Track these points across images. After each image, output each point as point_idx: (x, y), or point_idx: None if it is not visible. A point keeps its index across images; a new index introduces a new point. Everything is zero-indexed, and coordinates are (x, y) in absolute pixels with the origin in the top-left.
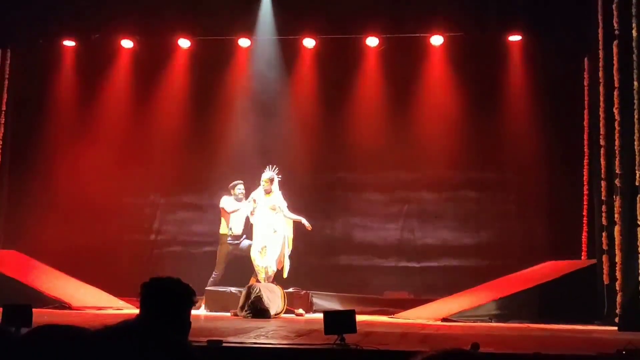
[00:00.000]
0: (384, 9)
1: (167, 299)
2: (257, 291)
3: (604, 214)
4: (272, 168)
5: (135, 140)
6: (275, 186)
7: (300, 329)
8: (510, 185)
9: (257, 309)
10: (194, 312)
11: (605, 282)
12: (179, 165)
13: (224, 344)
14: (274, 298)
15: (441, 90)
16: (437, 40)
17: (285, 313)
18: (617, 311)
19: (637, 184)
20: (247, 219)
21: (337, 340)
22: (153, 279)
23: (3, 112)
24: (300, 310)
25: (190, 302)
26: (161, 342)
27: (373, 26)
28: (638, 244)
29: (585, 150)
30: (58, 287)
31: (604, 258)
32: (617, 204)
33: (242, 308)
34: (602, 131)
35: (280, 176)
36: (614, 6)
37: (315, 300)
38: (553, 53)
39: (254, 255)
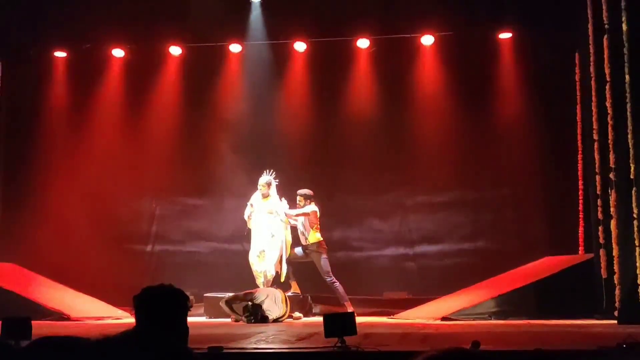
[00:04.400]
0: (374, 11)
1: (161, 306)
2: (256, 298)
3: (599, 208)
4: (269, 172)
5: (129, 148)
6: (273, 190)
7: (301, 332)
8: (505, 182)
9: (257, 315)
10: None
11: (604, 276)
12: (174, 171)
13: (225, 350)
14: (271, 304)
15: (433, 89)
16: (427, 40)
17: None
18: (616, 304)
19: (631, 177)
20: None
21: (337, 343)
22: (144, 289)
23: None
24: (298, 314)
25: (185, 307)
26: (162, 349)
27: (363, 28)
28: (635, 237)
29: (579, 145)
30: (56, 298)
31: (601, 252)
32: (612, 197)
33: (228, 302)
34: (595, 126)
35: (277, 180)
36: (602, 0)
37: (314, 303)
38: (544, 49)
39: (252, 259)
